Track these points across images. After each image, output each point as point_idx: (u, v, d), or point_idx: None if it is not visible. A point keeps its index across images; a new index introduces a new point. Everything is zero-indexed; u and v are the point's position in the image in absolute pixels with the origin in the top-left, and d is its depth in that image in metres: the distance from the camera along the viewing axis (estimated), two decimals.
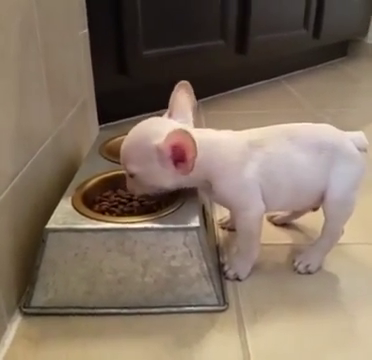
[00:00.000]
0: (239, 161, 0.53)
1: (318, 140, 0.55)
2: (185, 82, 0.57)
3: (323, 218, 0.58)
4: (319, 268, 0.59)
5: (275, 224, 0.70)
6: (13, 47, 0.52)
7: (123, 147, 0.54)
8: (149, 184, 0.53)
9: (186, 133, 0.47)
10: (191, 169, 0.50)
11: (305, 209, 0.65)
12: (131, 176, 0.54)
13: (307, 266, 0.58)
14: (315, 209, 0.63)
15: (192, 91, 0.57)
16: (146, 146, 0.51)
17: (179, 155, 0.50)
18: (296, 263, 0.59)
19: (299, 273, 0.58)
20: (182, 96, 0.56)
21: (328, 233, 0.58)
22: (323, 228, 0.59)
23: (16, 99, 0.52)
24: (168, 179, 0.52)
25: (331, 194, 0.55)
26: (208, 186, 0.54)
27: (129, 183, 0.56)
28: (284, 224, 0.70)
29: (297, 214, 0.69)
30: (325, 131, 0.57)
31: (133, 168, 0.52)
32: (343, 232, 0.60)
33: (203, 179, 0.54)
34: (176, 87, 0.56)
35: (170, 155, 0.50)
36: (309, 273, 0.58)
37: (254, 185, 0.54)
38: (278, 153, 0.54)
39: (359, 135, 0.57)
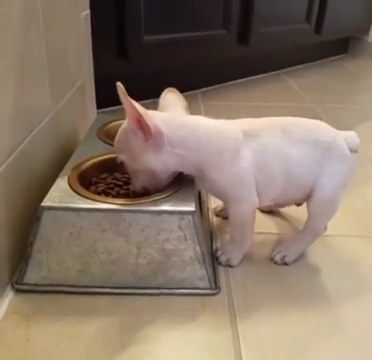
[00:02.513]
0: (232, 148, 0.53)
1: (314, 137, 0.55)
2: (173, 88, 0.59)
3: None
4: (296, 260, 0.59)
5: (262, 211, 0.70)
6: (15, 24, 0.51)
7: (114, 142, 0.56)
8: (136, 169, 0.54)
9: (123, 94, 0.48)
10: (149, 134, 0.50)
11: (291, 203, 0.65)
12: (124, 167, 0.55)
13: (284, 257, 0.58)
14: (299, 204, 0.63)
15: (181, 95, 0.59)
16: (123, 130, 0.53)
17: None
18: (274, 253, 0.59)
19: (275, 263, 0.58)
20: (172, 97, 0.58)
21: (311, 228, 0.59)
22: (306, 223, 0.59)
23: (15, 76, 0.52)
24: (150, 158, 0.52)
25: (320, 192, 0.55)
26: (201, 174, 0.54)
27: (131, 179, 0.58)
28: (270, 211, 0.71)
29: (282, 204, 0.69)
30: (321, 128, 0.57)
31: (120, 156, 0.54)
32: (326, 228, 0.61)
33: (195, 165, 0.53)
34: (165, 91, 0.58)
35: (136, 128, 0.51)
36: (285, 264, 0.58)
37: (249, 176, 0.53)
38: (273, 145, 0.54)
39: (352, 135, 0.57)
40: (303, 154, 0.54)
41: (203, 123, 0.55)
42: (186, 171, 0.55)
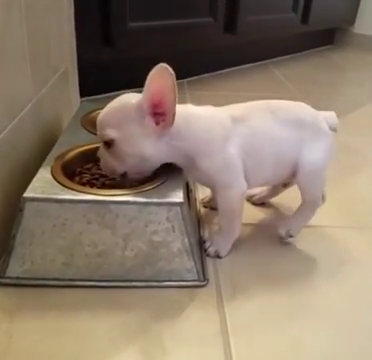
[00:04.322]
0: (222, 135, 0.53)
1: (299, 116, 0.57)
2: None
3: (300, 197, 0.59)
4: (299, 232, 0.61)
5: (254, 204, 0.71)
6: None
7: (101, 115, 0.52)
8: (128, 152, 0.50)
9: (164, 68, 0.46)
10: (172, 120, 0.48)
11: (279, 184, 0.66)
12: (108, 145, 0.51)
13: (289, 230, 0.60)
14: (286, 185, 0.65)
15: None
16: (125, 107, 0.50)
17: (160, 112, 0.48)
18: (280, 229, 0.61)
19: (282, 238, 0.60)
20: None
21: (307, 200, 0.60)
22: (302, 198, 0.60)
23: None
24: (149, 145, 0.50)
25: (303, 167, 0.57)
26: (191, 163, 0.53)
27: (105, 159, 0.52)
28: (262, 203, 0.71)
29: (273, 193, 0.70)
30: (304, 108, 0.59)
31: (111, 133, 0.50)
32: (324, 199, 0.62)
33: (186, 154, 0.52)
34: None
35: (150, 112, 0.49)
36: (291, 237, 0.60)
37: (237, 162, 0.53)
38: (262, 127, 0.55)
39: (331, 115, 0.60)
40: (290, 133, 0.56)
41: (194, 112, 0.53)
42: (175, 161, 0.54)
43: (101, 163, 0.54)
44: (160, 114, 0.49)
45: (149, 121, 0.49)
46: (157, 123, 0.49)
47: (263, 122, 0.55)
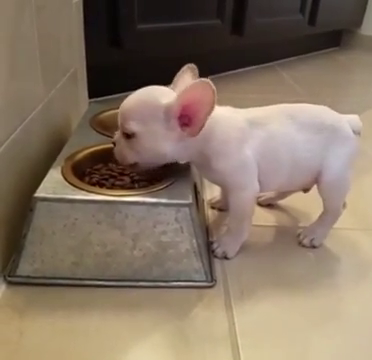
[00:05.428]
0: (239, 137, 0.53)
1: (318, 120, 0.56)
2: (193, 66, 0.57)
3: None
4: (322, 241, 0.61)
5: (260, 205, 0.70)
6: (7, 8, 0.49)
7: (126, 105, 0.51)
8: (147, 147, 0.50)
9: (208, 84, 0.46)
10: (200, 129, 0.48)
11: (297, 189, 0.65)
12: (128, 137, 0.50)
13: (312, 240, 0.60)
14: (306, 190, 0.63)
15: (198, 75, 0.57)
16: (153, 104, 0.49)
17: (188, 117, 0.48)
18: (301, 237, 0.61)
19: (304, 246, 0.60)
20: (189, 77, 0.56)
21: (329, 210, 0.60)
22: (324, 206, 0.60)
23: (7, 62, 0.50)
24: (169, 144, 0.50)
25: (327, 174, 0.56)
26: (206, 163, 0.53)
27: (121, 148, 0.52)
28: (269, 205, 0.71)
29: (283, 195, 0.70)
30: (325, 112, 0.58)
31: (134, 126, 0.49)
32: (345, 206, 0.61)
33: (202, 153, 0.52)
34: (184, 68, 0.57)
35: (178, 116, 0.49)
36: (313, 247, 0.60)
37: (253, 164, 0.53)
38: (280, 131, 0.54)
39: (355, 118, 0.59)
40: (309, 138, 0.55)
41: (215, 113, 0.52)
42: (191, 160, 0.54)
43: (115, 149, 0.53)
44: (184, 117, 0.49)
45: (175, 125, 0.49)
46: (181, 127, 0.49)
47: (281, 126, 0.54)
